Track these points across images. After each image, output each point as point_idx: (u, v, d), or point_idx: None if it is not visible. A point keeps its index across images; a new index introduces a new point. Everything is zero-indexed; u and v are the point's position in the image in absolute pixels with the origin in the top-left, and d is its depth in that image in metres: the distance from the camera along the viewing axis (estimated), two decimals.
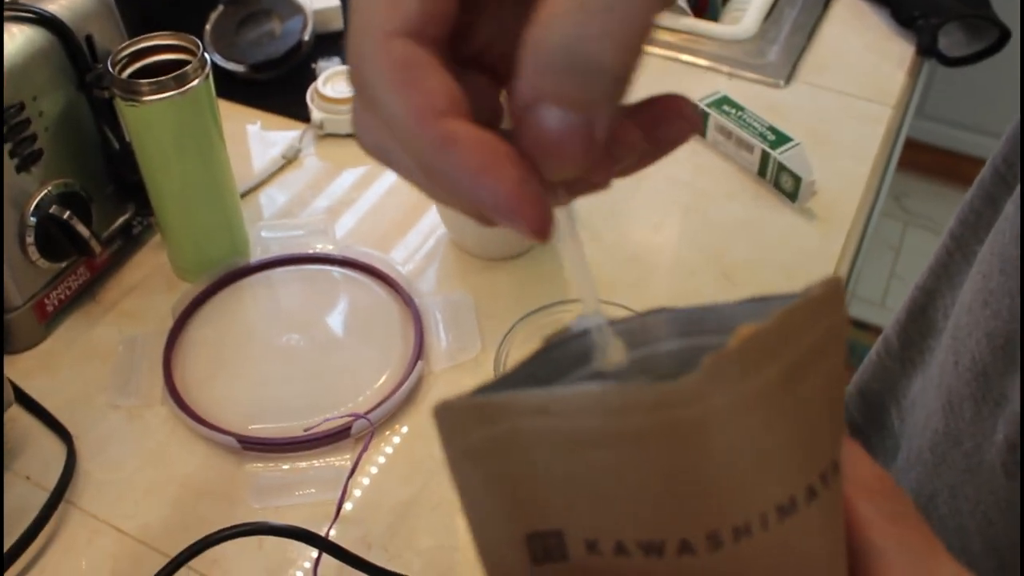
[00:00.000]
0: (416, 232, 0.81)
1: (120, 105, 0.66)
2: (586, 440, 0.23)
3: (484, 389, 0.25)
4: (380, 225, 0.82)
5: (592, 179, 0.28)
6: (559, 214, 0.27)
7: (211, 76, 0.67)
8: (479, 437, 0.24)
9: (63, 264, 0.71)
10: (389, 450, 0.65)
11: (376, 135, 0.28)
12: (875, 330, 2.11)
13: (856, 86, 0.97)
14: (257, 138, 0.91)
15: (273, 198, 0.84)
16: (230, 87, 0.94)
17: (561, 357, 0.28)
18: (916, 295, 0.62)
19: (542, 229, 0.25)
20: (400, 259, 0.78)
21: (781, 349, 0.23)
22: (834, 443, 0.26)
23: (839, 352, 0.25)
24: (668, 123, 0.29)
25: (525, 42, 0.24)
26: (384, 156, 0.28)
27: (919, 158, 2.30)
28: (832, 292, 0.24)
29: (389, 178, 0.86)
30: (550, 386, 0.26)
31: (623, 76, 0.24)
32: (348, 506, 0.61)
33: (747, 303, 0.26)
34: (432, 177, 0.26)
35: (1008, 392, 0.48)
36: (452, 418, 0.25)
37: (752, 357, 0.22)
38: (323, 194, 0.85)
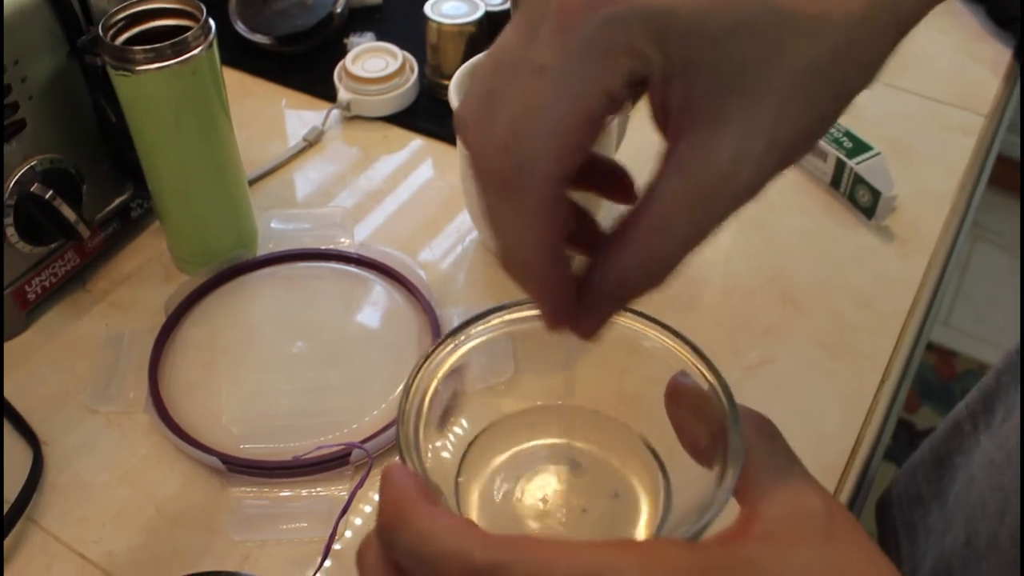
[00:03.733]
0: (445, 233, 0.72)
1: (112, 74, 0.58)
2: None
3: None
4: (406, 222, 0.73)
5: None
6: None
7: (215, 45, 0.59)
8: None
9: (49, 248, 0.64)
10: None
11: None
12: (936, 349, 2.00)
13: (944, 91, 0.87)
14: (281, 117, 0.83)
15: (290, 185, 0.76)
16: (256, 61, 0.86)
17: None
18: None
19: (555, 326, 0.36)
20: (424, 261, 0.70)
21: None
22: None
23: None
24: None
25: None
26: None
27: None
28: None
29: (421, 170, 0.78)
30: None
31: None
32: (338, 546, 0.53)
33: None
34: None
35: None
36: None
37: None
38: (345, 183, 0.77)
